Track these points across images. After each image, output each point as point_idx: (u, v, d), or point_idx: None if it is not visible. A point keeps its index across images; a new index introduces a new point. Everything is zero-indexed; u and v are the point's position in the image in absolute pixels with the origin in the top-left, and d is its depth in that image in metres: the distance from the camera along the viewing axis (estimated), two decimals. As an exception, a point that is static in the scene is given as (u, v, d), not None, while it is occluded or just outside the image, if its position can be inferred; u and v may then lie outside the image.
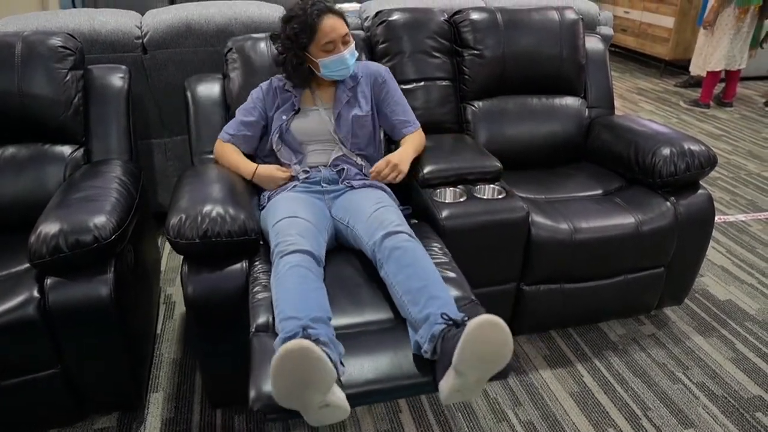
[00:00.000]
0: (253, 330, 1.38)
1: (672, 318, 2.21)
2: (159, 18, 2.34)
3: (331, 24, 1.73)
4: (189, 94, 2.05)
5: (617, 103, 4.64)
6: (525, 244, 1.81)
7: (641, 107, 4.85)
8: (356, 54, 1.83)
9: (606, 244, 1.87)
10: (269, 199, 1.75)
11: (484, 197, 1.80)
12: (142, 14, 2.42)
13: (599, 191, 2.09)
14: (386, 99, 1.92)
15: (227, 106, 2.04)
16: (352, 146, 1.86)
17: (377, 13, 2.27)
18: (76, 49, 1.93)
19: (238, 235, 1.52)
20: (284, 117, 1.84)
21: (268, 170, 1.81)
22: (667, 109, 4.81)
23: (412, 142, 1.90)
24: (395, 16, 2.21)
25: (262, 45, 2.08)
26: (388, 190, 1.81)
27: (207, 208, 1.53)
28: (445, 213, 1.70)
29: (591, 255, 1.87)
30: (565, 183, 2.13)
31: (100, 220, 1.50)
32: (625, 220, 1.89)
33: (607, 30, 3.13)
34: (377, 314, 1.45)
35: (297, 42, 1.75)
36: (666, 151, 1.97)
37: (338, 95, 1.86)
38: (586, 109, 2.35)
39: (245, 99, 1.93)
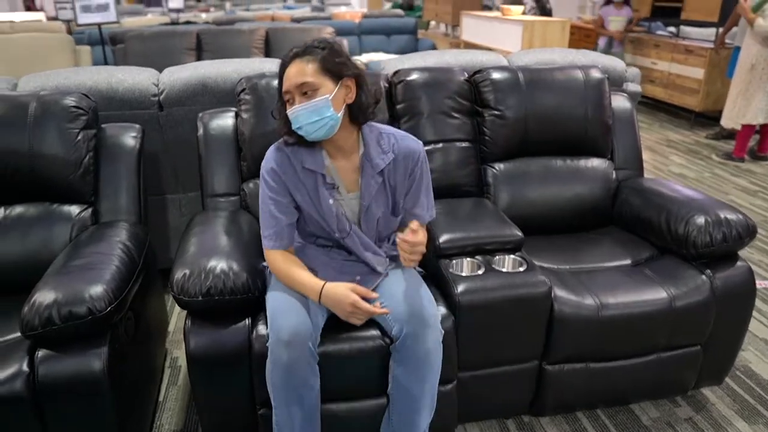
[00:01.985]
0: (261, 410, 1.50)
1: (711, 399, 2.02)
2: (176, 76, 2.34)
3: (289, 72, 1.43)
4: (201, 131, 2.00)
5: (646, 155, 4.50)
6: (547, 321, 1.68)
7: (672, 160, 4.70)
8: (324, 113, 1.40)
9: (636, 321, 1.73)
10: None
11: (504, 270, 1.69)
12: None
13: (628, 261, 1.95)
14: (413, 186, 1.57)
15: (239, 147, 2.00)
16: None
17: (395, 72, 2.21)
18: (89, 109, 1.91)
19: (241, 293, 1.51)
20: (334, 197, 1.51)
21: (336, 291, 1.45)
22: (699, 163, 4.66)
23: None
24: (414, 76, 2.15)
25: (276, 83, 1.90)
26: None
27: (212, 263, 1.53)
28: (461, 288, 1.59)
29: (619, 333, 1.73)
30: (590, 251, 2.00)
31: (96, 290, 1.44)
32: (657, 294, 1.75)
33: (634, 87, 3.04)
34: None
35: (279, 94, 1.50)
36: (700, 219, 1.84)
37: (365, 180, 1.50)
38: (613, 171, 2.23)
39: (258, 139, 1.88)
